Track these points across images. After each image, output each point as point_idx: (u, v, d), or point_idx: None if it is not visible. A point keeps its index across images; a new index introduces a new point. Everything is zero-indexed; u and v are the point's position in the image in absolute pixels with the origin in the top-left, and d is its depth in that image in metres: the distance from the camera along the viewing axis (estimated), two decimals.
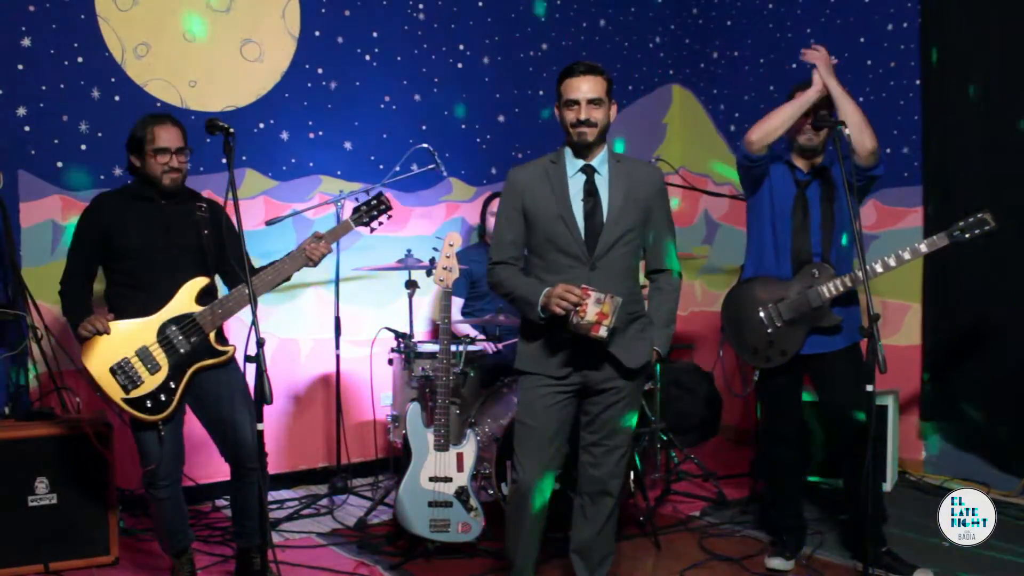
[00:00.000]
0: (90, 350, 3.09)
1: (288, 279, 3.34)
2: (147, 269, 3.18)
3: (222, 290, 3.38)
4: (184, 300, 3.18)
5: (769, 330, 3.43)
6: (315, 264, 3.32)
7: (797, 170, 3.51)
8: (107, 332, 3.08)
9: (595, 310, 2.74)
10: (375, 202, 3.53)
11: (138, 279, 3.19)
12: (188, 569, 3.34)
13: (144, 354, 3.12)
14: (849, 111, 3.35)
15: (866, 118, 3.38)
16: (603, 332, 2.76)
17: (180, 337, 3.15)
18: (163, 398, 3.13)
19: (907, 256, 3.33)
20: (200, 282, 3.21)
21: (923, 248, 3.33)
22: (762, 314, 3.44)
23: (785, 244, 3.47)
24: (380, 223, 3.55)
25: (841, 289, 3.34)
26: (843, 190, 3.34)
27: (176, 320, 3.16)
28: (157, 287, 3.17)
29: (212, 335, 3.20)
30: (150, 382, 3.12)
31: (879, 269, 3.35)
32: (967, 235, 3.27)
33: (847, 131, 3.21)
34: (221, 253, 3.30)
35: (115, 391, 3.09)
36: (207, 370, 3.22)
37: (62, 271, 3.25)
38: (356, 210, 3.53)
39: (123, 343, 3.11)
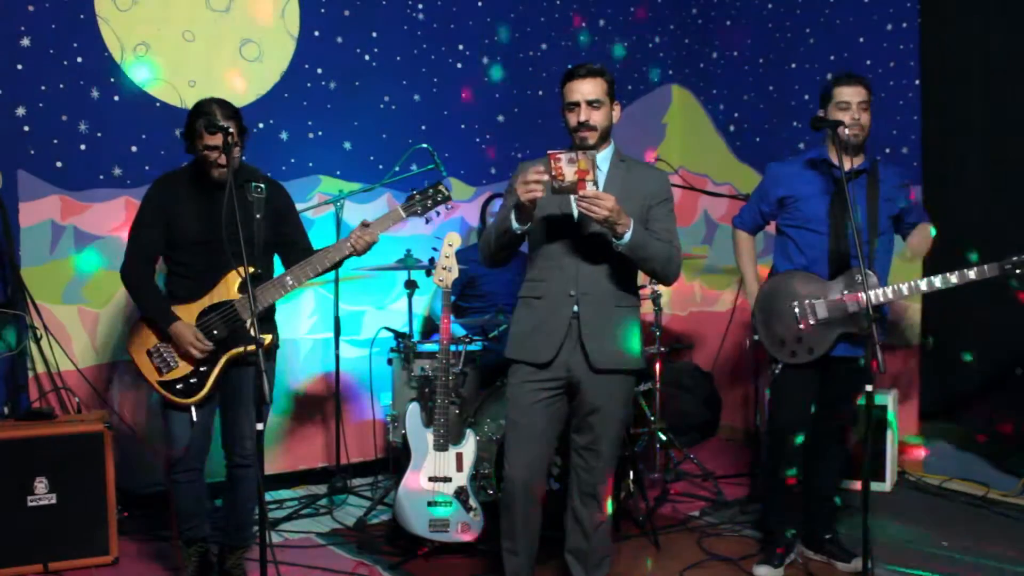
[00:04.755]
0: (133, 336, 3.19)
1: (332, 268, 3.30)
2: (199, 261, 3.19)
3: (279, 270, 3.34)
4: (227, 288, 3.18)
5: (801, 325, 3.37)
6: (360, 254, 3.26)
7: (835, 168, 3.36)
8: (211, 349, 3.12)
9: (572, 169, 2.67)
10: (432, 191, 3.35)
11: (189, 268, 3.21)
12: (195, 562, 3.34)
13: None
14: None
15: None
16: (591, 188, 2.68)
17: (218, 322, 3.17)
18: (193, 381, 3.16)
19: (954, 279, 3.24)
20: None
21: (971, 275, 3.22)
22: (796, 308, 3.38)
23: (820, 244, 3.38)
24: (437, 213, 3.40)
25: (883, 300, 3.27)
26: (886, 190, 3.34)
27: (216, 307, 3.18)
28: (205, 275, 3.18)
29: (251, 323, 3.12)
30: (184, 366, 3.16)
31: (923, 287, 3.28)
32: (1018, 271, 3.17)
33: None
34: (276, 239, 3.28)
35: (151, 373, 3.17)
36: (244, 363, 3.19)
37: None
38: (409, 198, 3.36)
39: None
